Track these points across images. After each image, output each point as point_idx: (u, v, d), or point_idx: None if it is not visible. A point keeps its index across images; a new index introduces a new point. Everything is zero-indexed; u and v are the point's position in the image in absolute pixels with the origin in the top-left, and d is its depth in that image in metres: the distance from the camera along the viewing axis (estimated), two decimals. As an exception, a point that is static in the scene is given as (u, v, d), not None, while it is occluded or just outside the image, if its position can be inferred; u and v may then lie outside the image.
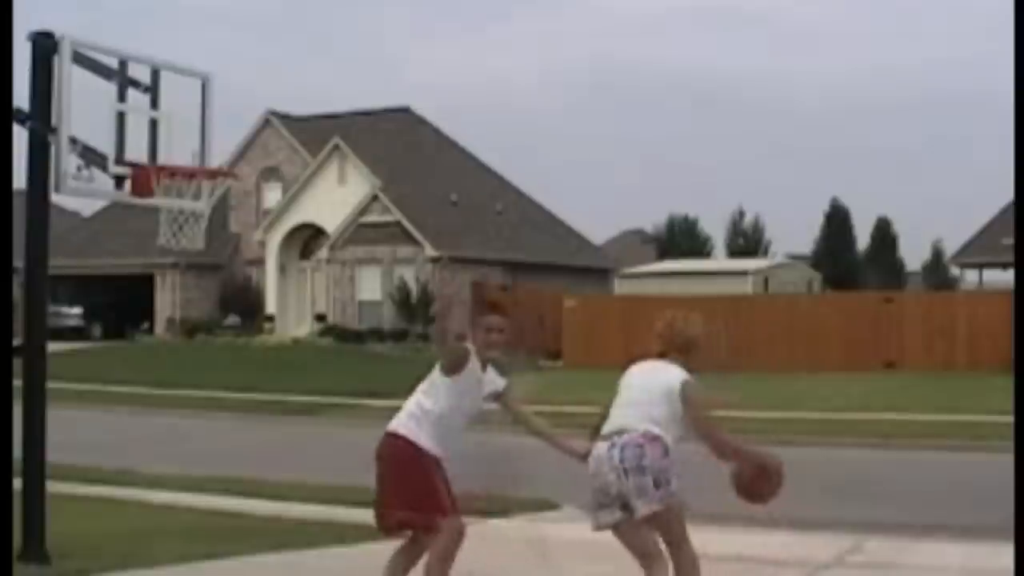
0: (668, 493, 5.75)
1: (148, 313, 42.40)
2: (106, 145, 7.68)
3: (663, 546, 5.79)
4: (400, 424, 6.11)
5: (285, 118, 43.12)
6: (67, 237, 42.49)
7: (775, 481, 6.25)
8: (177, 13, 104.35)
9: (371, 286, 38.18)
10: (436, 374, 6.18)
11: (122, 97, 7.80)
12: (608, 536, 7.55)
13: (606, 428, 5.82)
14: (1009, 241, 31.27)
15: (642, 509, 5.61)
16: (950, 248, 45.02)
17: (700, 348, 6.12)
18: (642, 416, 5.75)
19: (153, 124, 7.94)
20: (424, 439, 6.01)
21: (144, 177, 7.79)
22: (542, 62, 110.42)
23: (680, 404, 5.79)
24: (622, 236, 69.53)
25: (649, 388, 5.85)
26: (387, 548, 7.56)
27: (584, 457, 5.83)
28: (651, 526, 5.69)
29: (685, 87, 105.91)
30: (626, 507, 5.65)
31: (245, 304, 40.98)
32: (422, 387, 6.19)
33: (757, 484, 6.24)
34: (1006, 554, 6.77)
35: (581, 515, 7.57)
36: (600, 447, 5.74)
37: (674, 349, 6.05)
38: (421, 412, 6.08)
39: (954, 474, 14.11)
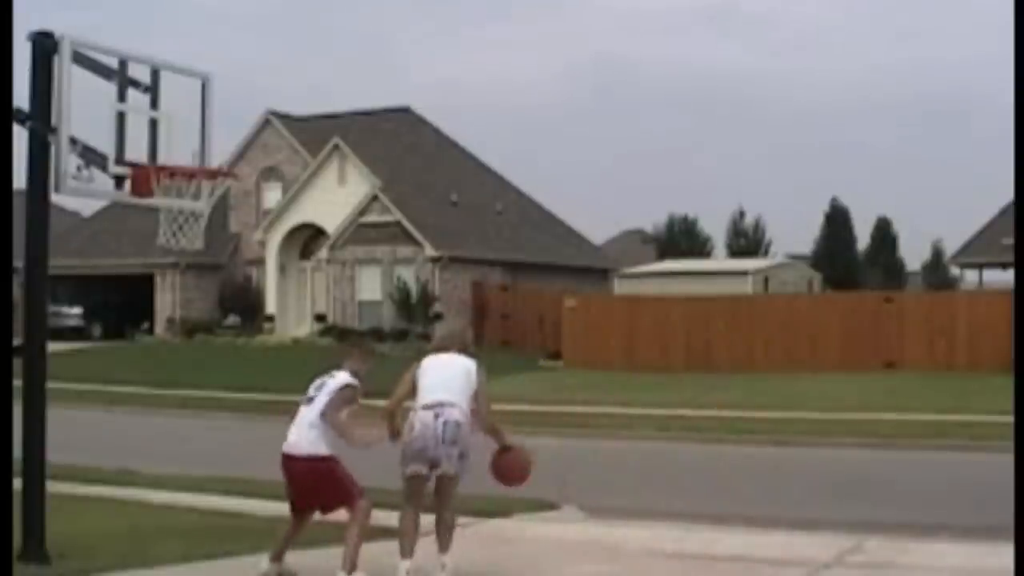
0: (465, 465, 7.19)
1: (148, 313, 42.39)
2: (106, 145, 7.69)
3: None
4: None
5: (285, 118, 43.09)
6: (67, 237, 42.49)
7: (524, 467, 7.63)
8: (177, 13, 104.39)
9: (371, 286, 38.17)
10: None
11: (122, 97, 7.80)
12: (608, 536, 7.57)
13: (427, 400, 7.20)
14: (1009, 241, 31.27)
15: (444, 470, 7.10)
16: (950, 248, 45.00)
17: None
18: (455, 391, 7.24)
19: (153, 124, 7.94)
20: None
21: (144, 177, 7.79)
22: (542, 62, 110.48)
23: (474, 380, 7.37)
24: (622, 236, 69.51)
25: (453, 369, 7.37)
26: (387, 548, 7.57)
27: (389, 438, 7.34)
28: (442, 484, 7.17)
29: (685, 87, 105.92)
30: (433, 466, 7.11)
31: (245, 304, 40.97)
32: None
33: (511, 467, 7.56)
34: (1006, 554, 6.77)
35: (581, 515, 7.59)
36: (426, 415, 7.14)
37: (462, 349, 7.67)
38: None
39: (954, 474, 14.11)
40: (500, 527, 9.39)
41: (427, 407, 7.22)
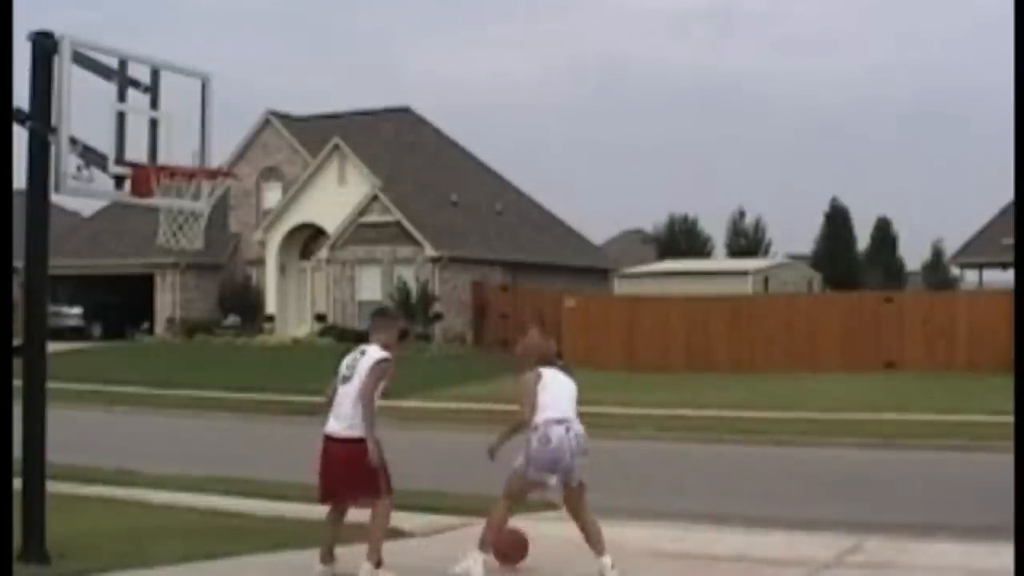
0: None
1: (148, 313, 42.39)
2: (106, 145, 7.68)
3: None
4: None
5: (285, 118, 43.09)
6: (67, 237, 42.49)
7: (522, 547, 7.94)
8: (177, 13, 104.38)
9: (371, 286, 38.16)
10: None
11: (122, 97, 7.79)
12: (608, 536, 7.57)
13: (556, 415, 7.44)
14: (1009, 241, 31.26)
15: (577, 478, 7.49)
16: (950, 248, 45.02)
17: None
18: (574, 407, 7.60)
19: (153, 124, 7.93)
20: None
21: (144, 177, 7.78)
22: (542, 62, 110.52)
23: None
24: (622, 236, 69.51)
25: (570, 388, 7.66)
26: (386, 548, 7.56)
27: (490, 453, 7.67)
28: (579, 491, 7.55)
29: (685, 87, 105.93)
30: (566, 474, 7.42)
31: (245, 304, 40.95)
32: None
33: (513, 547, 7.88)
34: (1006, 554, 6.77)
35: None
36: (559, 429, 7.40)
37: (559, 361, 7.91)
38: None
39: (954, 474, 14.11)
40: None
41: (558, 421, 7.43)
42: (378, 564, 7.23)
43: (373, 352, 7.43)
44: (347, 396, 7.32)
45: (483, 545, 7.44)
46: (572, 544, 7.69)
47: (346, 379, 7.37)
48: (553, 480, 7.42)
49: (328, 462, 7.34)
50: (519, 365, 7.85)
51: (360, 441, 7.20)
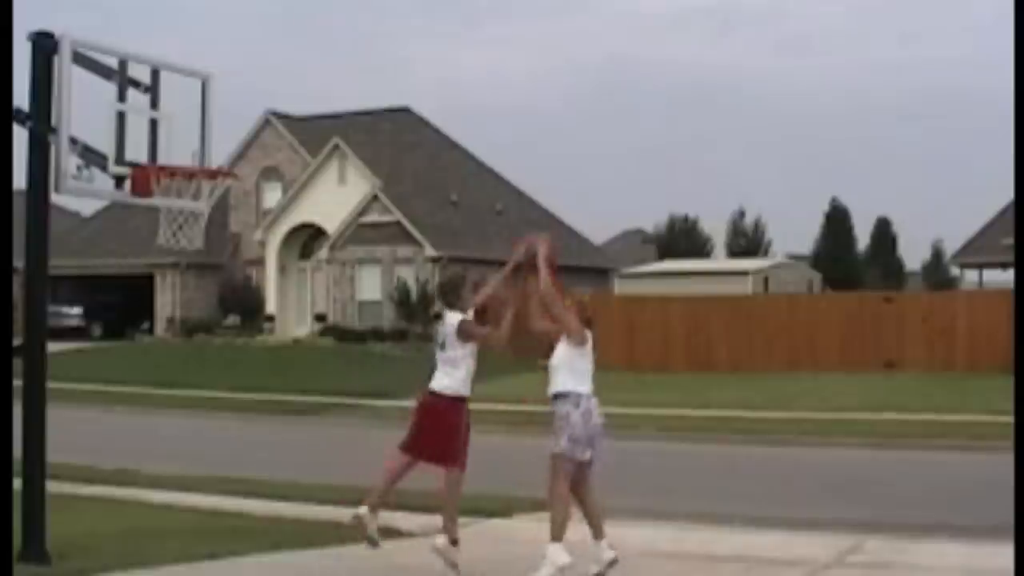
0: None
1: (148, 313, 42.40)
2: (106, 145, 7.68)
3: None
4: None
5: (285, 118, 43.10)
6: (67, 237, 42.48)
7: None
8: (177, 13, 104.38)
9: (371, 286, 38.17)
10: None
11: (122, 97, 7.79)
12: (608, 535, 7.56)
13: (589, 388, 7.43)
14: (1009, 241, 31.26)
15: (596, 456, 7.47)
16: (950, 248, 45.03)
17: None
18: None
19: (153, 124, 7.93)
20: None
21: (144, 177, 7.78)
22: (542, 62, 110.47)
23: None
24: (622, 236, 69.49)
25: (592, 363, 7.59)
26: (386, 548, 7.56)
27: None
28: (589, 471, 7.55)
29: (685, 86, 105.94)
30: (591, 451, 7.41)
31: (245, 304, 40.95)
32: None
33: None
34: (1006, 554, 6.77)
35: (580, 515, 7.58)
36: (592, 403, 7.40)
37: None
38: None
39: (954, 474, 14.11)
40: (500, 527, 9.39)
41: (589, 396, 7.46)
42: (454, 542, 7.46)
43: (452, 317, 7.78)
44: (444, 362, 7.67)
45: (557, 537, 7.38)
46: (571, 544, 7.68)
47: (441, 346, 7.73)
48: (588, 455, 7.46)
49: (421, 413, 7.66)
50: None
51: (452, 401, 7.55)
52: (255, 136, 42.74)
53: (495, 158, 47.98)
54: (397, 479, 7.66)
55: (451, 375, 7.60)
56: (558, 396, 7.44)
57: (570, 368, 7.48)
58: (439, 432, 7.51)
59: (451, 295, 7.94)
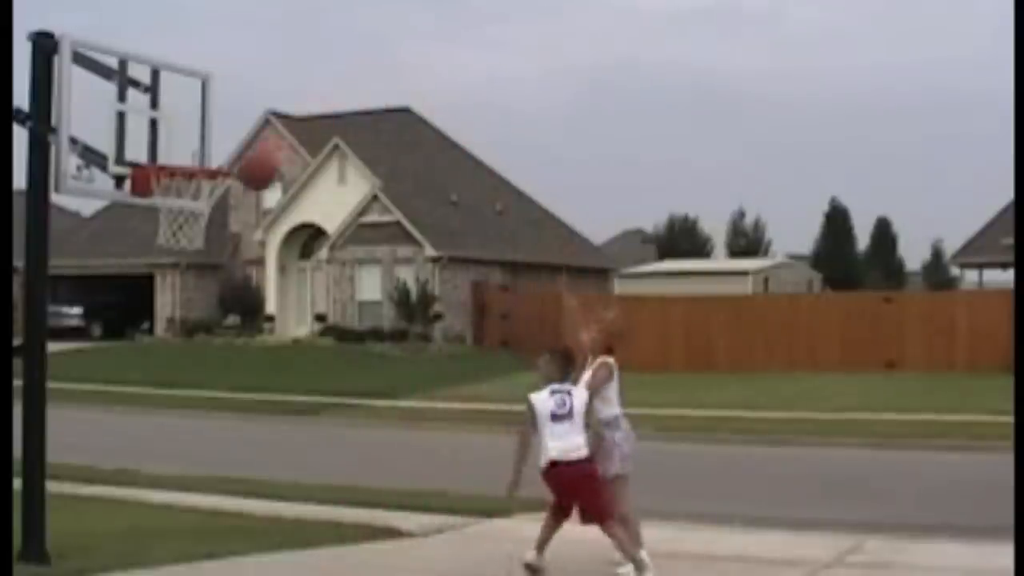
0: None
1: (148, 313, 42.39)
2: (106, 145, 7.67)
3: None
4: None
5: (285, 118, 43.06)
6: (67, 237, 42.47)
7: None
8: (177, 13, 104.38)
9: (371, 286, 38.15)
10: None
11: (122, 97, 7.79)
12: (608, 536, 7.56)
13: (618, 410, 7.75)
14: (1009, 241, 31.24)
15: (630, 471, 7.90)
16: (950, 248, 45.01)
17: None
18: None
19: (153, 124, 7.93)
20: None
21: (144, 177, 7.78)
22: (542, 62, 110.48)
23: None
24: (622, 236, 69.49)
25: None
26: (386, 548, 7.57)
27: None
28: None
29: (686, 87, 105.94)
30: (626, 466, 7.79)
31: (245, 304, 40.93)
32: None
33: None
34: (1006, 554, 6.77)
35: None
36: (625, 420, 7.80)
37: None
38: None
39: (954, 474, 14.11)
40: (500, 527, 9.38)
41: (621, 416, 7.81)
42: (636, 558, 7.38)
43: (580, 394, 7.57)
44: (569, 428, 7.48)
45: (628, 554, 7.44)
46: (570, 544, 7.68)
47: (560, 417, 7.48)
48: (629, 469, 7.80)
49: (561, 486, 7.52)
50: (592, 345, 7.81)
51: (590, 461, 7.51)
52: (255, 136, 42.70)
53: (495, 158, 47.96)
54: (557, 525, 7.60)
55: (582, 434, 7.50)
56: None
57: (601, 397, 7.68)
58: (590, 489, 7.52)
59: (568, 367, 7.76)
